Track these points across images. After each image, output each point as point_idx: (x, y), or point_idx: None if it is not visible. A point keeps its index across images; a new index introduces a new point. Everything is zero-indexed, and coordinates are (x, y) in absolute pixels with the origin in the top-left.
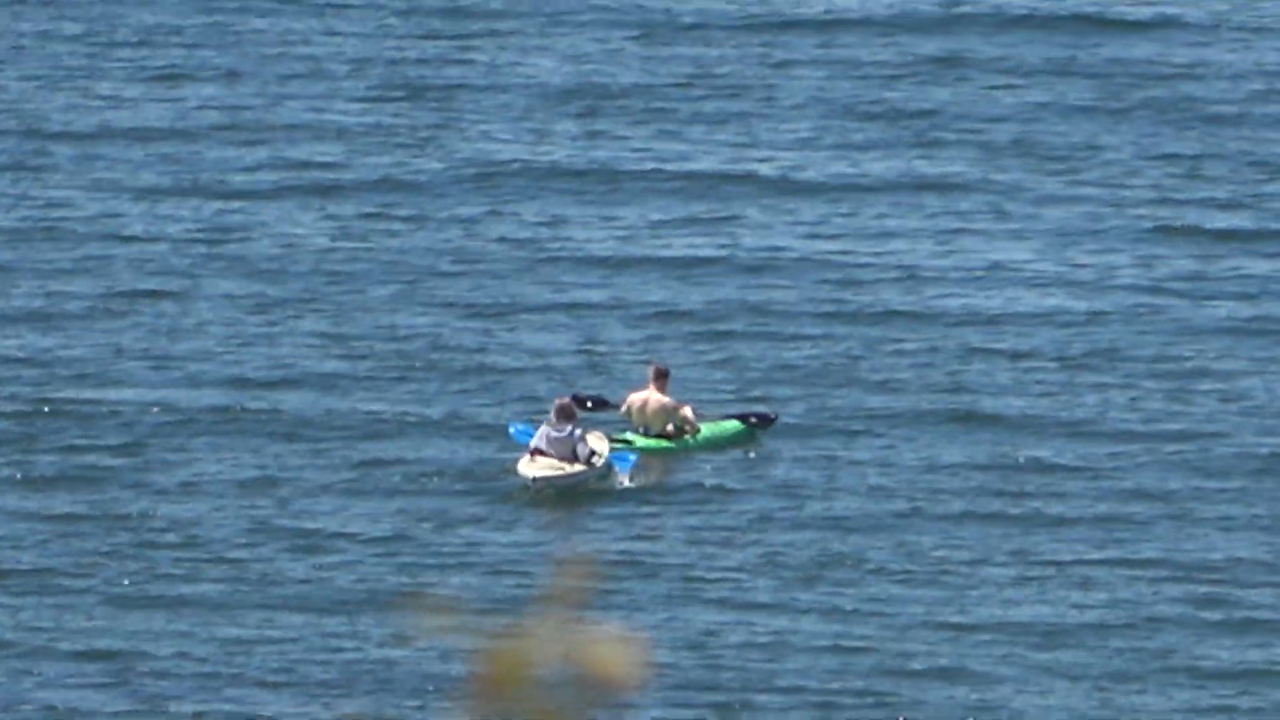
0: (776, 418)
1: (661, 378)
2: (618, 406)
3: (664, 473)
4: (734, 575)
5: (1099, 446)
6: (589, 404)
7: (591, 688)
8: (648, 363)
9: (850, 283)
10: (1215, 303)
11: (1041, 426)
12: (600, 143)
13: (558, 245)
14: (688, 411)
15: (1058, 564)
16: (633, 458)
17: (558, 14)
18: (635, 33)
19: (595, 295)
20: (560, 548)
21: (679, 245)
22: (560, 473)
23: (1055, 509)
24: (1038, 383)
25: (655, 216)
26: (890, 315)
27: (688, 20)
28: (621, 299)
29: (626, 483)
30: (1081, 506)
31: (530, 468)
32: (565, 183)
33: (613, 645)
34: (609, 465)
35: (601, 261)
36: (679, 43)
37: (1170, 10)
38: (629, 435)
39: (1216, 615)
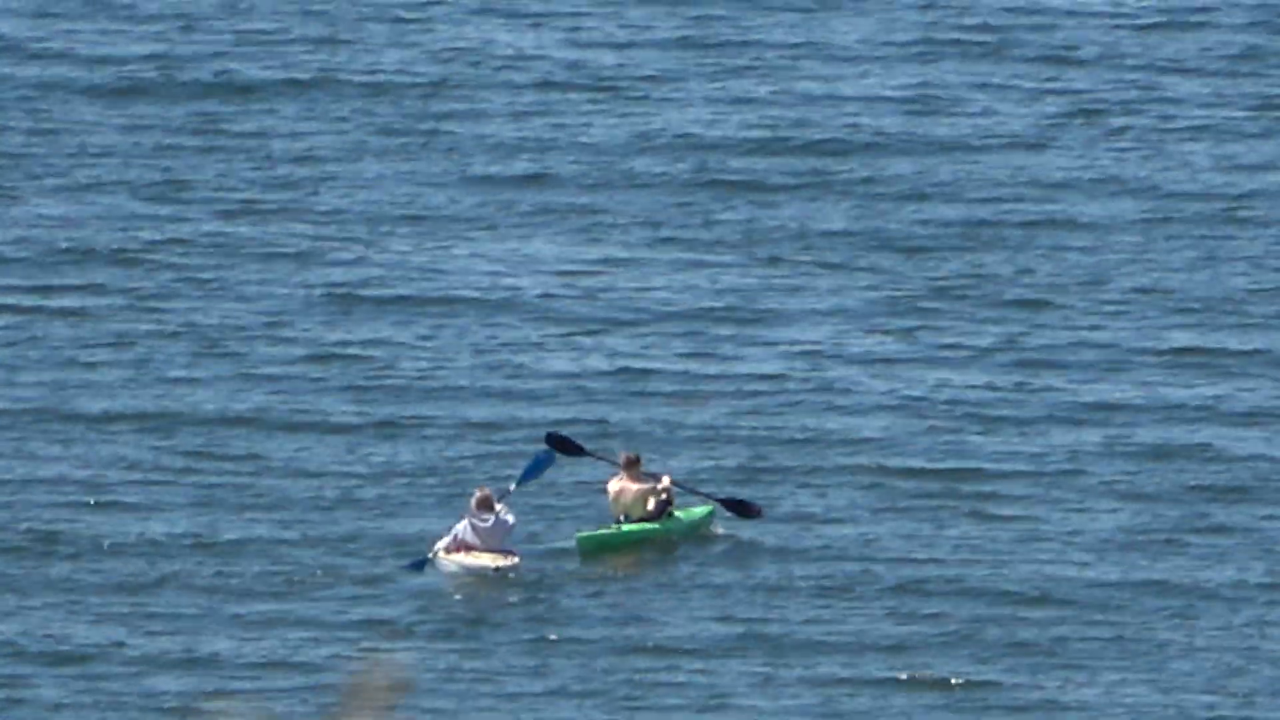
0: (761, 513)
1: (632, 465)
2: (598, 457)
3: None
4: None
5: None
6: (568, 448)
7: None
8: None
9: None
10: None
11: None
12: None
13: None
14: (666, 480)
15: None
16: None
17: None
18: None
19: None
20: (367, 658)
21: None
22: (511, 564)
23: None
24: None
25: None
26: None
27: None
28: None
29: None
30: None
31: (477, 559)
32: None
33: None
34: (531, 471)
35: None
36: None
37: None
38: (611, 526)
39: None
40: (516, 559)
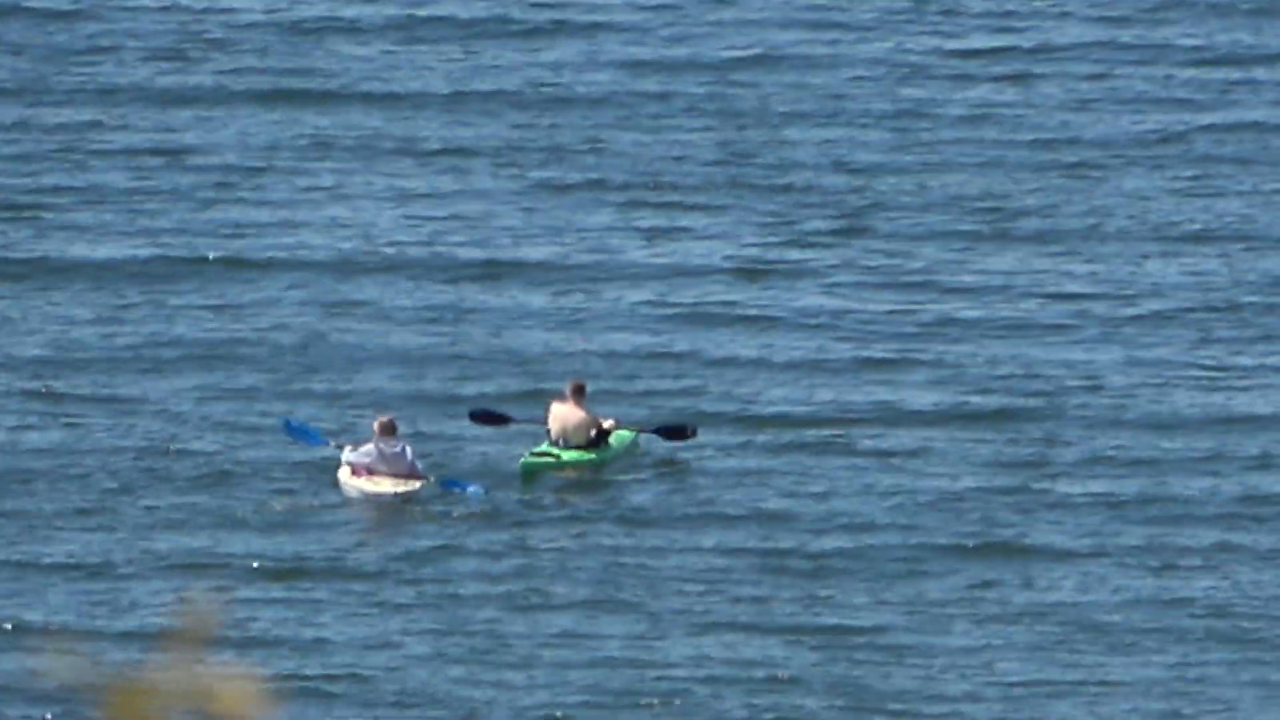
0: (694, 432)
1: (579, 393)
2: (519, 421)
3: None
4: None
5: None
6: (492, 420)
7: None
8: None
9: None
10: None
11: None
12: None
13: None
14: (609, 424)
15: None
16: (475, 488)
17: None
18: None
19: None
20: (189, 588)
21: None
22: (414, 488)
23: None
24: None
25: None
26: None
27: None
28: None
29: (471, 502)
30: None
31: (378, 485)
32: None
33: (235, 684)
34: (446, 486)
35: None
36: None
37: None
38: (547, 448)
39: None
40: (421, 482)
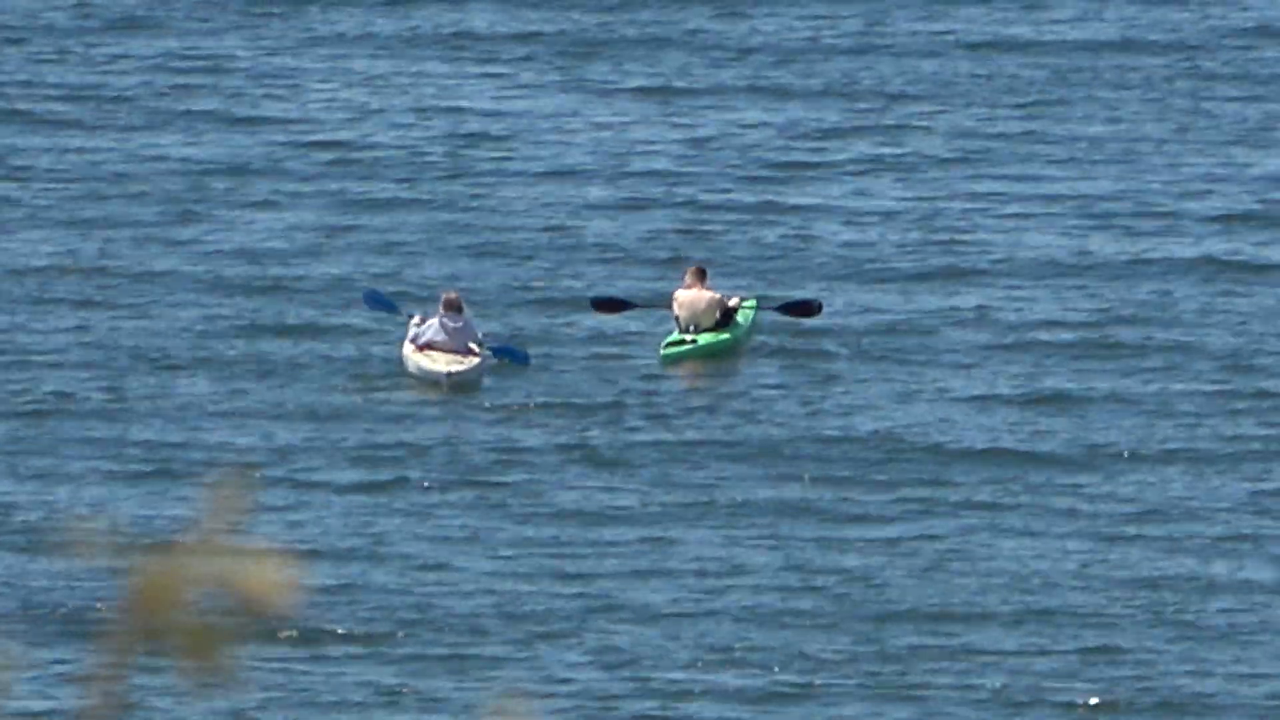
0: (820, 307)
1: (701, 275)
2: (643, 305)
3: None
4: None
5: None
6: (614, 306)
7: (245, 608)
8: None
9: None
10: None
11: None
12: None
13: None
14: (734, 302)
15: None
16: (524, 355)
17: None
18: None
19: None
20: (218, 470)
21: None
22: (468, 366)
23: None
24: None
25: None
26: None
27: None
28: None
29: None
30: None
31: (434, 362)
32: None
33: (265, 566)
34: (503, 355)
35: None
36: None
37: None
38: (678, 336)
39: None
40: (477, 360)
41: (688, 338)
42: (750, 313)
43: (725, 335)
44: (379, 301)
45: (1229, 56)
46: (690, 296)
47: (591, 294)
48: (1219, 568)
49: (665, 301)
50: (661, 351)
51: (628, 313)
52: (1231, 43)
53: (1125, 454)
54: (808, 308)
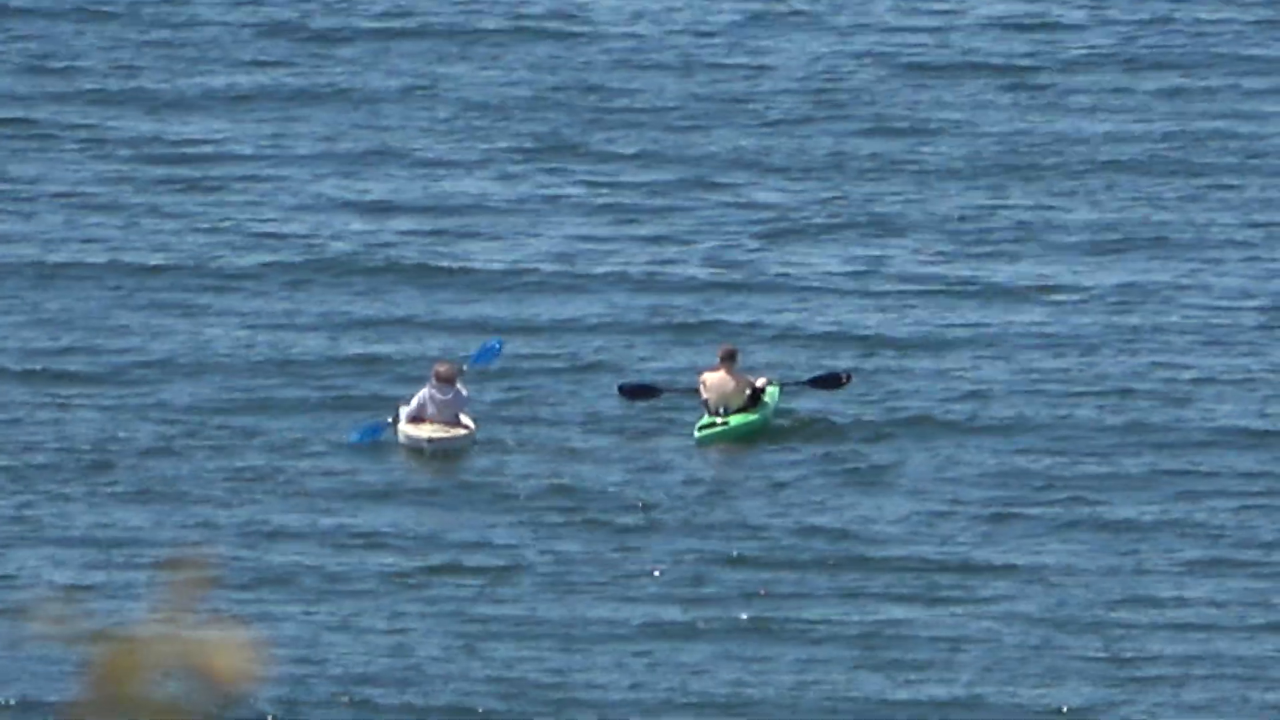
0: (849, 378)
1: (731, 358)
2: (674, 391)
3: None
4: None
5: None
6: (643, 393)
7: (205, 686)
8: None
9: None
10: None
11: None
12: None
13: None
14: (761, 382)
15: None
16: (495, 342)
17: None
18: None
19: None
20: (179, 547)
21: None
22: (452, 435)
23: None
24: None
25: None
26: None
27: None
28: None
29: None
30: None
31: (419, 429)
32: None
33: (226, 645)
34: (475, 364)
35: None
36: None
37: None
38: (710, 420)
39: None
40: (465, 430)
41: (718, 420)
42: (776, 390)
43: (754, 416)
44: (365, 433)
45: None
46: (717, 379)
47: (620, 381)
48: None
49: (693, 386)
50: (696, 435)
51: (656, 399)
52: None
53: None
54: (836, 380)
